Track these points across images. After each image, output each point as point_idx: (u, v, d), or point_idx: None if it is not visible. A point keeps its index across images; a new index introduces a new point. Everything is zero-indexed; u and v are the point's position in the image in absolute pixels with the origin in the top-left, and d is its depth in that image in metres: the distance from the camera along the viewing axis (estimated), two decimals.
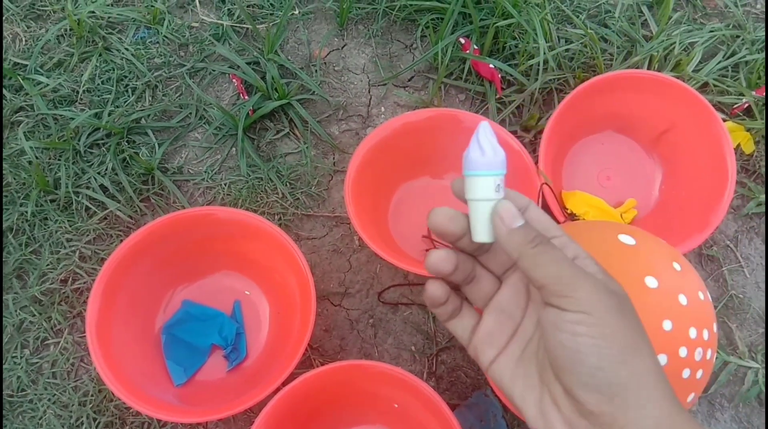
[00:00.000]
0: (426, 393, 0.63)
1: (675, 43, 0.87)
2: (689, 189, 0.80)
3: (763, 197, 0.86)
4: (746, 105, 0.87)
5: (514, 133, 0.85)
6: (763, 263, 0.85)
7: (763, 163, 0.88)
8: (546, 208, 0.73)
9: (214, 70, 0.91)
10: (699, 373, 0.54)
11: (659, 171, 0.84)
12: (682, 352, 0.53)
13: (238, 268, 0.77)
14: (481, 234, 0.35)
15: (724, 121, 0.84)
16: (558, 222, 0.73)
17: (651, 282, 0.53)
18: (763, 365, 0.78)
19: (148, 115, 0.87)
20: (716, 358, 0.78)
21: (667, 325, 0.52)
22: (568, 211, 0.78)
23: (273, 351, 0.74)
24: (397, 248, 0.80)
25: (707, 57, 0.90)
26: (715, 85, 0.88)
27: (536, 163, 0.76)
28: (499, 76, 0.87)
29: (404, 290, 0.80)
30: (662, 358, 0.52)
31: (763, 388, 0.77)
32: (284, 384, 0.64)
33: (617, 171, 0.85)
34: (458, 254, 0.36)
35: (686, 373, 0.53)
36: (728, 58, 0.90)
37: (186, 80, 0.90)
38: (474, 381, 0.76)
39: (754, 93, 0.87)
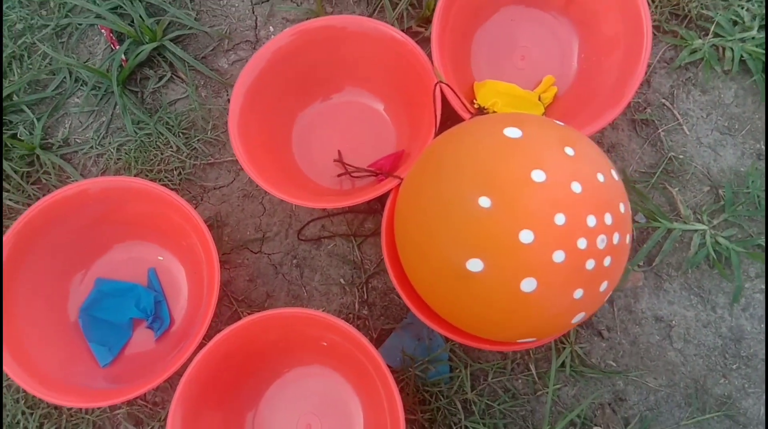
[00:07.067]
0: (344, 329, 0.61)
1: None
2: (608, 52, 0.72)
3: (697, 43, 0.78)
4: None
5: (409, 29, 0.77)
6: (704, 116, 0.78)
7: (694, 6, 0.79)
8: (447, 108, 0.67)
9: (80, 24, 0.82)
10: (607, 261, 0.50)
11: (575, 39, 0.76)
12: (581, 243, 0.48)
13: (143, 237, 0.73)
14: None
15: None
16: (463, 119, 0.66)
17: (538, 176, 0.48)
18: (710, 226, 0.74)
19: (19, 89, 0.80)
20: (660, 227, 0.74)
21: (560, 219, 0.47)
22: (477, 105, 0.71)
23: (196, 312, 0.71)
24: (308, 181, 0.75)
25: None
26: None
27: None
28: None
29: (324, 222, 0.76)
30: (559, 255, 0.47)
31: (711, 250, 0.73)
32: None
33: (531, 48, 0.77)
34: None
35: (590, 264, 0.49)
36: None
37: (53, 41, 0.81)
38: None
39: None
